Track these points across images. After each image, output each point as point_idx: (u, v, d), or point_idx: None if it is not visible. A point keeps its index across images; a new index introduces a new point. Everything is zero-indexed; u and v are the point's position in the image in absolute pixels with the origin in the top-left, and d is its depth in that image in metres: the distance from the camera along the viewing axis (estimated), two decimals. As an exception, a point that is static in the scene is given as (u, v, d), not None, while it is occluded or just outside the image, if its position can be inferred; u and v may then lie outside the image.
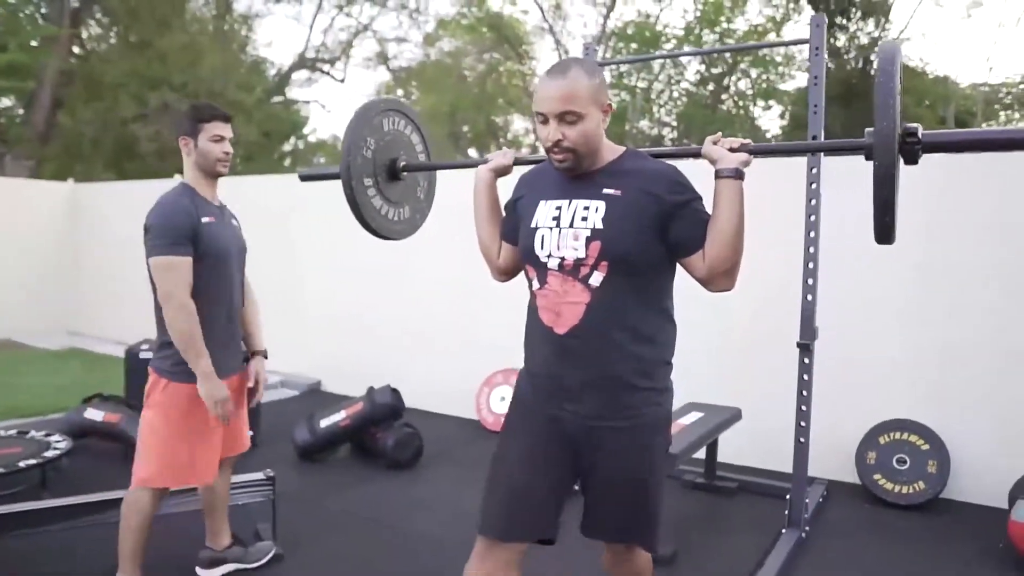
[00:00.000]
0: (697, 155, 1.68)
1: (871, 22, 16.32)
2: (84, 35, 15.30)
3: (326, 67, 20.61)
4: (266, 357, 2.64)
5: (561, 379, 1.69)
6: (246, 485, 2.83)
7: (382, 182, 2.18)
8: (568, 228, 1.66)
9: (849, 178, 3.34)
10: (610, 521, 1.74)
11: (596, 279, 1.65)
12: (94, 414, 4.00)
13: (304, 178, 2.48)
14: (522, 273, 1.83)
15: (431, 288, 5.19)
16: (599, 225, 1.63)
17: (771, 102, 19.24)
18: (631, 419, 1.67)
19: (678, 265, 1.70)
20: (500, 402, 4.72)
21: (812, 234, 2.98)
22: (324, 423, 4.02)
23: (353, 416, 4.01)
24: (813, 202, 2.97)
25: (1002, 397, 3.47)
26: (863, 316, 3.77)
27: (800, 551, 2.94)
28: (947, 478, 3.45)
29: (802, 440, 3.03)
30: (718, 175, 1.60)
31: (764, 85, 19.36)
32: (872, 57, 16.65)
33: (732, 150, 1.61)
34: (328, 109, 26.68)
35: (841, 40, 16.28)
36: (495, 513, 1.69)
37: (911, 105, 16.63)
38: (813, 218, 2.97)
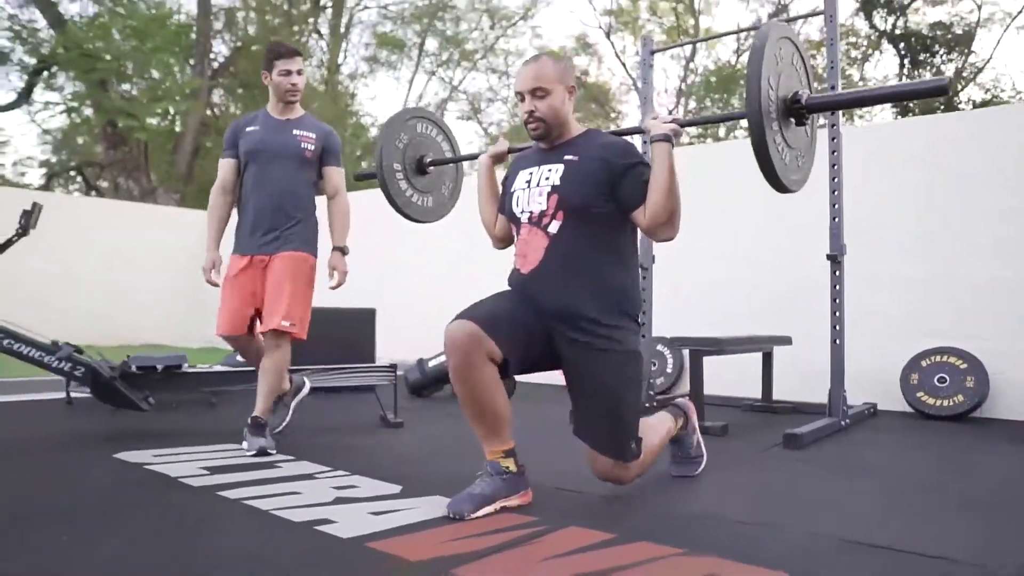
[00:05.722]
0: (641, 131, 2.20)
1: (955, 55, 16.38)
2: (212, 97, 17.39)
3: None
4: (344, 253, 2.90)
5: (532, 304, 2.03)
6: (375, 370, 3.58)
7: (410, 172, 2.73)
8: (536, 187, 2.07)
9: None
10: (581, 425, 2.09)
11: (554, 227, 2.00)
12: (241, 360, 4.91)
13: (357, 177, 3.18)
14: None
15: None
16: (557, 182, 2.03)
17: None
18: (591, 343, 1.97)
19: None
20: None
21: (836, 180, 3.52)
22: (432, 363, 4.75)
23: (455, 357, 4.72)
24: (836, 153, 3.55)
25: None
26: (888, 249, 4.23)
27: (834, 431, 3.40)
28: (985, 392, 3.81)
29: (837, 342, 3.51)
30: (652, 140, 1.99)
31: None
32: (958, 87, 16.65)
33: (665, 123, 2.01)
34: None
35: (927, 76, 16.39)
36: (481, 311, 1.92)
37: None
38: (836, 167, 3.53)
